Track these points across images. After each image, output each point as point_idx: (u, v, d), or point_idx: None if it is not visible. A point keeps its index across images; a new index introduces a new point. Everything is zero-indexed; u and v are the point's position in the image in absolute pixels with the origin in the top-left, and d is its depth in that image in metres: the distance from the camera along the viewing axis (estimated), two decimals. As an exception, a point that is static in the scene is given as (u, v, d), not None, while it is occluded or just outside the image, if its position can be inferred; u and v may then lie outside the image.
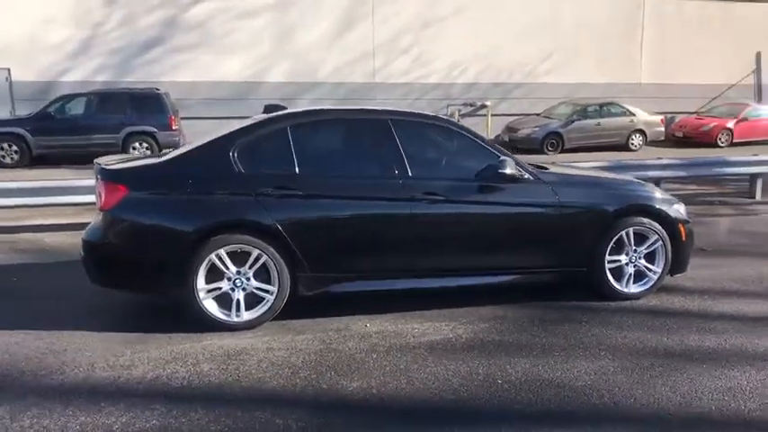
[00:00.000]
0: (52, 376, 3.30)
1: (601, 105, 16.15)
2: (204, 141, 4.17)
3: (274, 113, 4.28)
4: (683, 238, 4.59)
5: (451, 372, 3.35)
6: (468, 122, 16.62)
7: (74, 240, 6.49)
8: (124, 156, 5.08)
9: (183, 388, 3.17)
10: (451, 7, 16.51)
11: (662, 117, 16.49)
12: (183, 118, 13.91)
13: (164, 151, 4.57)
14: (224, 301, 3.92)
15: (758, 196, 9.40)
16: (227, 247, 3.82)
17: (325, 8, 15.91)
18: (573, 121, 15.74)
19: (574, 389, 3.16)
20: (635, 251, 4.51)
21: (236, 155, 3.96)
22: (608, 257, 4.44)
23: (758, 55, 18.81)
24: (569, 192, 4.38)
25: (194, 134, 14.47)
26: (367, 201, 4.06)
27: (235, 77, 15.51)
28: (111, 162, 4.22)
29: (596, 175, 5.07)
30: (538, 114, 16.93)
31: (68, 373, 3.34)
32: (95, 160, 4.26)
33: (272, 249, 3.87)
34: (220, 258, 3.83)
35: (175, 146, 13.59)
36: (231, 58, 15.34)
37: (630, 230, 4.45)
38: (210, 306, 3.88)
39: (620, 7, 17.81)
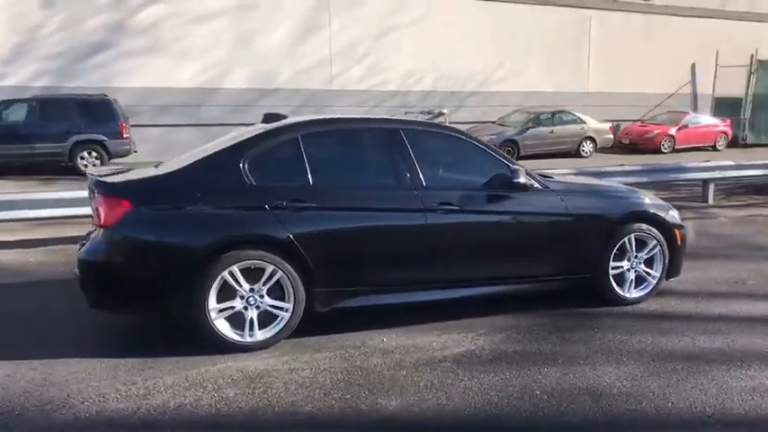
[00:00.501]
0: (61, 410, 3.02)
1: (553, 113, 16.66)
2: (209, 152, 3.96)
3: (284, 122, 4.12)
4: (678, 243, 4.75)
5: (486, 385, 3.30)
6: (425, 130, 16.76)
7: (26, 259, 6.08)
8: (113, 167, 4.73)
9: (213, 416, 2.98)
10: (408, 17, 16.65)
11: (611, 124, 17.19)
12: (132, 125, 13.31)
13: (160, 162, 4.29)
14: (236, 320, 3.72)
15: (710, 200, 9.90)
16: (239, 264, 3.63)
17: (284, 14, 15.68)
18: (528, 129, 16.15)
19: (611, 396, 3.17)
20: (636, 257, 4.62)
21: (246, 166, 3.77)
22: (612, 264, 4.53)
23: (693, 66, 19.96)
24: (576, 200, 4.44)
25: (144, 142, 14.05)
26: (382, 212, 3.97)
27: (188, 83, 15.00)
28: (106, 174, 3.94)
29: (597, 183, 5.18)
30: (493, 122, 17.27)
31: (78, 406, 3.07)
32: (88, 172, 3.96)
33: (287, 265, 3.70)
34: (233, 276, 3.63)
35: (126, 155, 13.02)
36: (185, 63, 14.84)
37: (632, 237, 4.56)
38: (222, 326, 3.67)
39: (569, 19, 18.48)
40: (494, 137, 16.13)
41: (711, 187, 10.04)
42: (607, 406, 3.08)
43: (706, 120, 18.55)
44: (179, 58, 14.75)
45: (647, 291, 4.69)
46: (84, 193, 6.76)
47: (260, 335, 3.74)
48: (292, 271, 3.72)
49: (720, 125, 18.51)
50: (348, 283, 3.91)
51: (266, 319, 3.77)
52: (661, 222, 4.66)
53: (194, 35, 14.86)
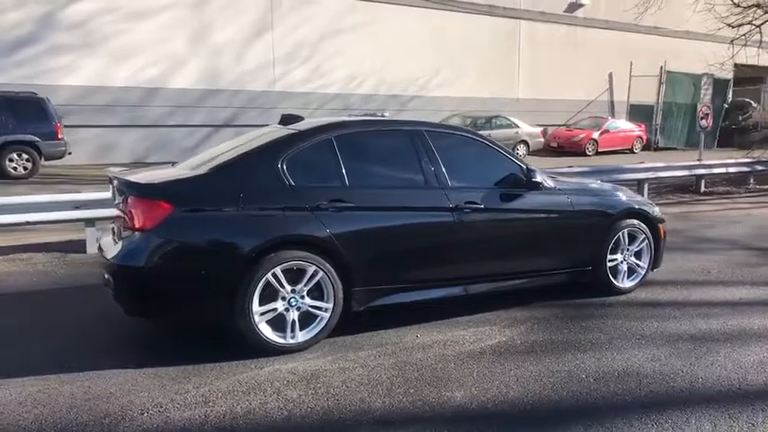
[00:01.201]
0: (122, 423, 2.88)
1: (489, 118, 17.38)
2: (239, 153, 3.91)
3: (316, 124, 4.15)
4: (662, 237, 5.20)
5: (534, 373, 3.49)
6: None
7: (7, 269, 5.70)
8: (125, 169, 4.47)
9: (287, 418, 2.96)
10: (351, 22, 16.75)
11: (542, 129, 18.17)
12: (65, 126, 12.49)
13: (178, 162, 4.13)
14: (277, 322, 3.69)
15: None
16: (282, 265, 3.61)
17: (228, 16, 15.29)
18: (467, 132, 16.73)
19: (647, 376, 3.45)
20: (627, 250, 5.01)
21: (284, 167, 3.75)
22: (608, 257, 4.89)
23: (610, 75, 21.48)
24: (580, 198, 4.76)
25: (79, 144, 13.19)
26: (415, 211, 4.08)
27: (128, 83, 14.26)
28: (132, 174, 3.78)
29: (591, 182, 5.53)
30: (432, 125, 17.73)
31: (139, 417, 2.94)
32: (110, 173, 3.78)
33: (327, 265, 3.72)
34: (276, 277, 3.60)
35: (60, 157, 12.17)
36: (123, 61, 14.12)
37: (625, 231, 4.94)
38: (265, 329, 3.62)
39: (500, 29, 19.33)
40: (436, 140, 16.61)
41: (646, 187, 10.91)
42: (648, 385, 3.35)
43: (624, 125, 20.03)
44: (117, 56, 14.02)
45: (636, 281, 5.09)
46: (26, 198, 6.49)
47: (301, 336, 3.73)
48: (333, 271, 3.75)
49: (636, 130, 20.07)
50: (383, 281, 3.98)
51: (306, 319, 3.77)
52: (649, 218, 5.08)
53: (134, 32, 14.17)
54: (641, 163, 11.12)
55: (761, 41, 16.16)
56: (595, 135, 18.80)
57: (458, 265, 4.25)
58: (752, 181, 12.61)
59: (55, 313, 4.52)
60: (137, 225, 3.44)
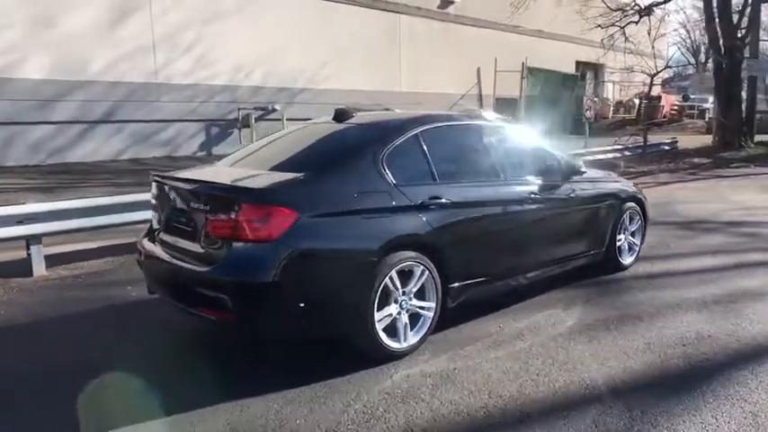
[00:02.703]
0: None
1: (383, 110, 17.66)
2: (327, 150, 3.76)
3: (397, 118, 4.05)
4: (648, 217, 5.86)
5: (634, 347, 3.76)
6: (261, 127, 16.33)
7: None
8: (169, 168, 3.88)
9: (462, 416, 2.90)
10: (234, 3, 15.88)
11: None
12: None
13: (224, 159, 3.74)
14: (389, 327, 3.54)
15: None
16: (397, 267, 3.48)
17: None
18: (362, 125, 16.88)
19: (713, 337, 3.92)
20: (627, 230, 5.57)
21: (384, 165, 3.60)
22: (616, 237, 5.40)
23: (479, 70, 23.00)
24: (603, 185, 5.23)
25: None
26: (493, 205, 4.16)
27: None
28: (229, 179, 3.40)
29: (597, 170, 5.95)
30: (324, 119, 17.59)
31: (320, 443, 2.69)
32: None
33: (431, 264, 3.67)
34: (392, 281, 3.47)
35: None
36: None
37: (627, 213, 5.49)
38: (382, 335, 3.47)
39: (383, 22, 19.70)
40: (333, 133, 16.53)
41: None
42: (724, 344, 3.82)
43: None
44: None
45: (634, 257, 5.69)
46: None
47: (411, 339, 3.64)
48: (435, 269, 3.70)
49: (504, 121, 21.75)
50: (471, 276, 4.01)
51: (412, 321, 3.67)
52: (642, 201, 5.70)
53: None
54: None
55: (602, 41, 18.52)
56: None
57: (524, 256, 4.42)
58: (622, 165, 14.47)
59: (85, 352, 3.85)
60: (259, 235, 3.07)
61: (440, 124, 4.15)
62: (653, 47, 15.95)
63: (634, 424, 2.86)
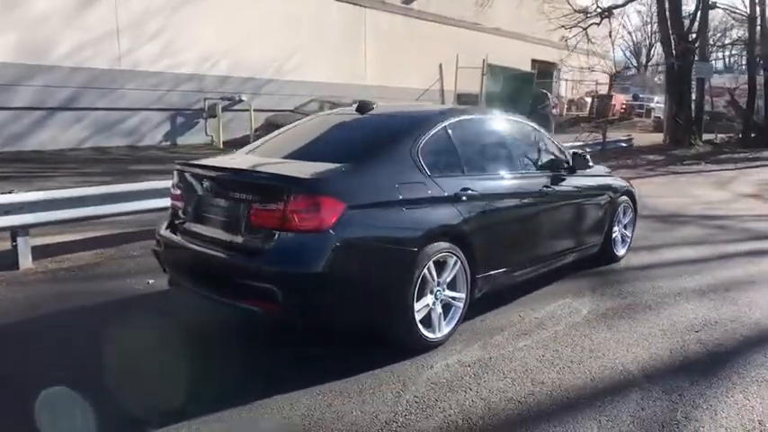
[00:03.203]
0: (378, 442, 2.62)
1: (351, 104, 17.59)
2: (368, 140, 3.72)
3: (426, 110, 4.08)
4: (636, 211, 6.11)
5: (650, 334, 3.93)
6: (227, 117, 15.99)
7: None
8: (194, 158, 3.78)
9: (512, 403, 2.98)
10: (201, -7, 15.46)
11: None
12: None
13: (228, 148, 3.65)
14: (425, 318, 3.58)
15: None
16: (434, 258, 3.52)
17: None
18: (330, 118, 16.77)
19: (720, 323, 4.14)
20: (620, 222, 5.79)
21: (419, 156, 3.62)
22: (613, 229, 5.61)
23: (440, 66, 23.19)
24: (603, 179, 5.42)
25: None
26: (515, 197, 4.25)
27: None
28: (271, 169, 3.34)
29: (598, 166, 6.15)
30: (291, 111, 17.36)
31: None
32: (240, 167, 3.26)
33: (462, 254, 3.72)
34: (429, 271, 3.51)
35: None
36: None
37: (622, 206, 5.71)
38: (420, 326, 3.50)
39: (348, 15, 19.59)
40: (301, 125, 16.35)
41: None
42: (746, 324, 4.07)
43: (457, 112, 21.88)
44: None
45: (626, 248, 5.93)
46: None
47: (444, 329, 3.69)
48: (465, 260, 3.76)
49: (466, 117, 22.06)
50: (496, 266, 4.08)
51: (444, 312, 3.72)
52: (633, 194, 5.94)
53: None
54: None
55: (565, 41, 19.06)
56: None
57: (540, 246, 4.55)
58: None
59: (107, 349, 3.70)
60: (309, 226, 3.04)
61: (464, 117, 4.20)
62: (613, 48, 16.57)
63: (677, 406, 3.00)
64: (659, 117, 29.92)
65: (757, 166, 14.83)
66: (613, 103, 29.83)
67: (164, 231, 3.82)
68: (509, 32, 26.06)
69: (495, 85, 23.35)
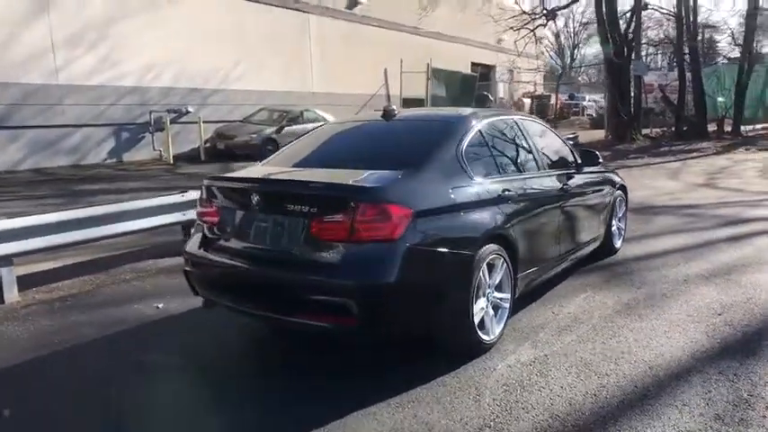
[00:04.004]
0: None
1: (301, 111, 17.38)
2: (414, 146, 3.70)
3: (457, 113, 4.07)
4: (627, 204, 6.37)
5: (680, 320, 4.08)
6: (174, 130, 15.42)
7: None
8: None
9: (615, 396, 3.01)
10: (139, 2, 14.78)
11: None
12: None
13: (267, 159, 3.47)
14: (480, 320, 3.56)
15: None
16: (486, 261, 3.50)
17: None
18: (283, 128, 16.48)
19: (736, 305, 4.34)
20: (616, 216, 6.00)
21: (464, 160, 3.60)
22: (612, 223, 5.81)
23: (385, 71, 23.29)
24: (606, 175, 5.57)
25: None
26: (543, 196, 4.32)
27: None
28: (324, 179, 3.23)
29: None
30: (241, 121, 16.95)
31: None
32: (294, 178, 3.10)
33: (507, 256, 3.73)
34: (483, 274, 3.49)
35: None
36: None
37: (617, 201, 5.92)
38: (478, 329, 3.48)
39: (293, 22, 19.32)
40: (254, 136, 15.99)
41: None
42: (754, 309, 4.26)
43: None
44: None
45: (621, 240, 6.15)
46: None
47: (496, 330, 3.68)
48: (509, 261, 3.77)
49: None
50: (530, 266, 4.11)
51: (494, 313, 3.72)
52: (626, 189, 6.17)
53: None
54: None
55: (515, 43, 19.61)
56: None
57: (563, 242, 4.62)
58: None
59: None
60: (379, 235, 2.95)
61: (492, 119, 4.23)
62: (561, 49, 17.16)
63: (738, 386, 3.12)
64: (592, 114, 31.50)
65: (695, 157, 15.82)
66: (552, 102, 31.08)
67: (196, 250, 3.60)
68: (449, 36, 26.54)
69: (439, 89, 23.78)
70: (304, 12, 19.77)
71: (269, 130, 16.19)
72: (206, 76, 16.66)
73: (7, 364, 3.66)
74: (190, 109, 16.05)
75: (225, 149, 15.73)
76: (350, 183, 3.16)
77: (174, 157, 15.31)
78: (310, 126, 17.01)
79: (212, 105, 16.81)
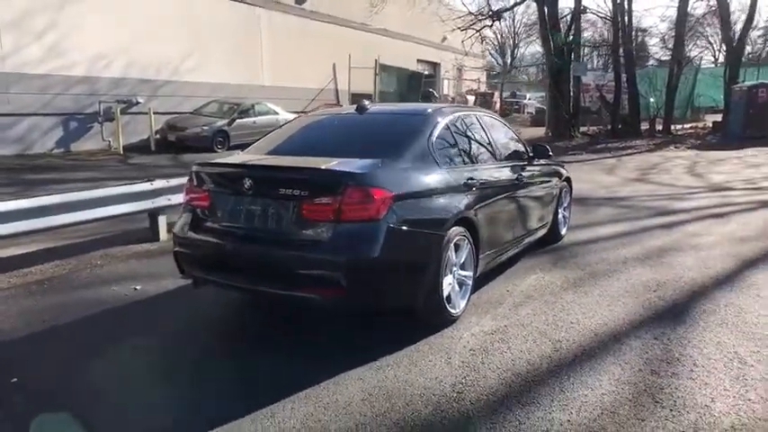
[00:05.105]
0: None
1: (252, 105, 17.37)
2: (390, 136, 4.06)
3: (428, 108, 4.44)
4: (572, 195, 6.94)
5: (619, 294, 4.61)
6: (124, 120, 15.17)
7: None
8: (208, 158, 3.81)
9: (543, 359, 3.46)
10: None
11: (298, 115, 18.94)
12: None
13: (249, 147, 3.72)
14: (447, 295, 3.96)
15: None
16: (454, 241, 3.91)
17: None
18: (234, 120, 16.45)
19: (668, 283, 4.93)
20: (562, 205, 6.55)
21: (433, 150, 3.99)
22: (558, 211, 6.35)
23: (334, 66, 23.50)
24: (550, 167, 6.08)
25: None
26: (502, 184, 4.75)
27: None
28: (313, 164, 3.54)
29: None
30: (191, 113, 16.79)
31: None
32: (285, 164, 3.38)
33: (470, 238, 4.15)
34: (450, 253, 3.89)
35: None
36: None
37: (563, 191, 6.47)
38: (445, 302, 3.88)
39: (243, 15, 19.22)
40: (206, 128, 15.91)
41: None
42: (684, 286, 4.86)
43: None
44: None
45: (566, 228, 6.71)
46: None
47: (461, 304, 4.10)
48: (472, 243, 4.19)
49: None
50: (490, 248, 4.54)
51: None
52: (570, 180, 6.73)
53: None
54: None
55: (462, 43, 20.21)
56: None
57: (517, 228, 5.09)
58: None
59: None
60: (365, 216, 3.29)
61: (457, 114, 4.63)
62: (505, 48, 17.89)
63: (670, 347, 3.65)
64: (532, 112, 32.70)
65: (629, 154, 16.89)
66: (495, 99, 32.07)
67: (186, 232, 3.83)
68: (396, 33, 27.00)
69: (387, 85, 24.19)
70: (255, 5, 19.70)
71: (220, 122, 16.15)
72: (157, 67, 16.42)
73: (4, 338, 3.80)
74: (140, 99, 15.79)
75: (176, 141, 15.59)
76: (337, 168, 3.48)
77: (123, 147, 15.05)
78: (262, 119, 17.16)
79: (163, 97, 16.58)
